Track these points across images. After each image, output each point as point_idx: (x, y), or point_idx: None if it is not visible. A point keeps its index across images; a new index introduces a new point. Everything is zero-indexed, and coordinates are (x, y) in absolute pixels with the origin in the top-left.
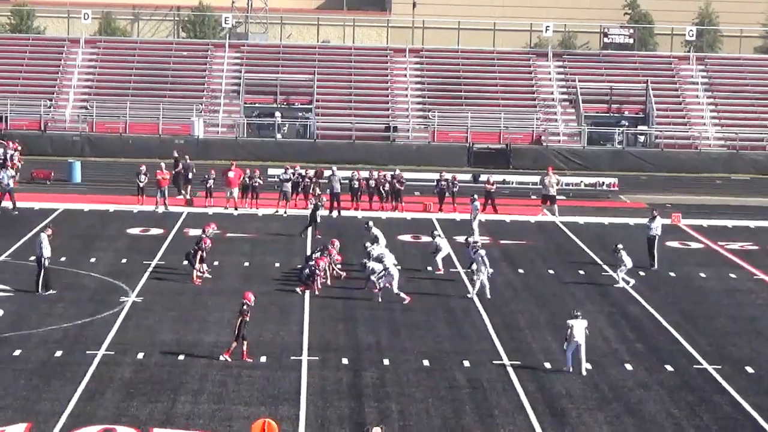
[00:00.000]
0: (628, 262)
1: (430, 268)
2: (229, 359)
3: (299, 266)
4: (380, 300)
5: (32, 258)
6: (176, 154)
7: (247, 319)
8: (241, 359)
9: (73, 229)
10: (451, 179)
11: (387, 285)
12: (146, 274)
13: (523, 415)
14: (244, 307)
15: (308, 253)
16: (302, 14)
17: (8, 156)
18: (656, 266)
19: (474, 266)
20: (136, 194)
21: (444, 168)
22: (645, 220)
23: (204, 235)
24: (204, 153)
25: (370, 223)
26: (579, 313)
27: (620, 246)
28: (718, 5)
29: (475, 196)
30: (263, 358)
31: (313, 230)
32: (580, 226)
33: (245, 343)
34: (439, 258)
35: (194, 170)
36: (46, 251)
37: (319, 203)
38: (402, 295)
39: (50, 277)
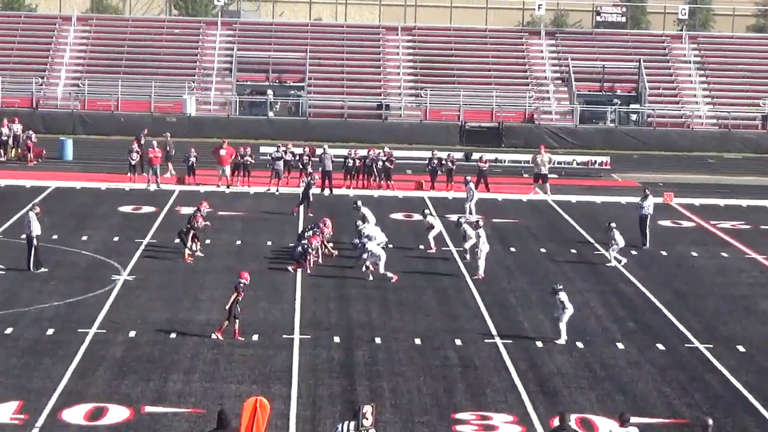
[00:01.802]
0: (620, 241)
1: (422, 247)
2: (221, 338)
3: (291, 245)
4: (371, 278)
5: (23, 236)
6: (141, 136)
7: (240, 298)
8: (233, 338)
9: (64, 207)
10: (447, 158)
11: (371, 265)
12: (138, 253)
13: (514, 393)
14: (240, 285)
15: (300, 231)
16: None
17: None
18: (648, 245)
19: (467, 244)
20: (127, 172)
21: (436, 146)
22: (637, 199)
23: (198, 214)
24: (196, 131)
25: (359, 203)
26: (561, 287)
27: (613, 225)
28: None
29: (468, 177)
30: (255, 337)
31: (305, 208)
32: (572, 205)
33: (237, 321)
34: (431, 236)
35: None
36: (36, 229)
37: (311, 181)
38: (389, 274)
39: (40, 255)
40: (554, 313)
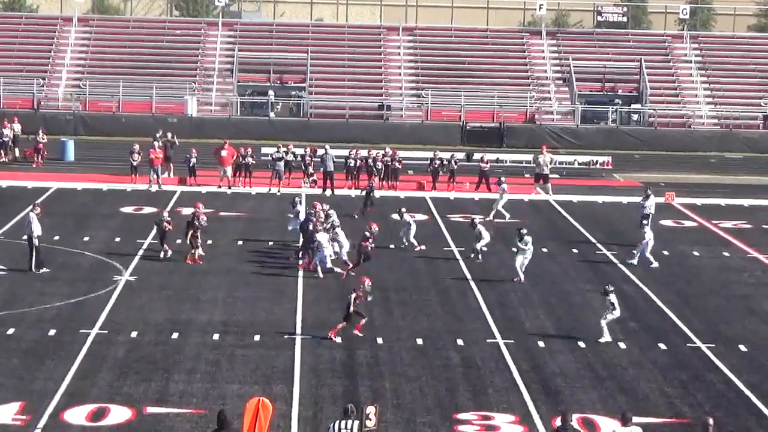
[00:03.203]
0: (650, 239)
1: (402, 246)
2: (335, 338)
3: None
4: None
5: (24, 237)
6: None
7: (359, 301)
8: (352, 333)
9: (66, 208)
10: (450, 158)
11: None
12: (140, 253)
13: (516, 393)
14: (360, 288)
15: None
16: None
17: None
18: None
19: (479, 244)
20: (129, 173)
21: (437, 147)
22: (638, 199)
23: (198, 212)
24: (197, 131)
25: (296, 200)
26: (612, 288)
27: (645, 222)
28: None
29: (502, 178)
30: (257, 337)
31: (366, 209)
32: (574, 205)
33: (363, 319)
34: (411, 236)
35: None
36: (36, 229)
37: (372, 184)
38: (337, 269)
39: (42, 255)
40: (604, 313)
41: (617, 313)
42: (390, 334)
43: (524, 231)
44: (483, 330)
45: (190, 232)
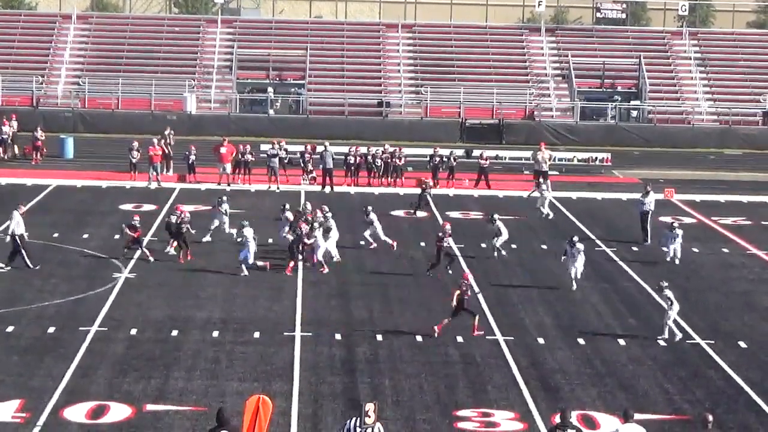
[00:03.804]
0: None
1: (362, 243)
2: (438, 332)
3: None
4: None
5: (8, 238)
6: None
7: (466, 296)
8: (471, 334)
9: (65, 205)
10: (449, 155)
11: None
12: (139, 250)
13: (516, 390)
14: (463, 283)
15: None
16: None
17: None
18: (649, 241)
19: (498, 241)
20: (128, 170)
21: (436, 143)
22: (638, 195)
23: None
24: (196, 129)
25: (285, 206)
26: (667, 284)
27: (676, 224)
28: None
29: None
30: (256, 334)
31: (420, 209)
32: (573, 202)
33: (476, 317)
34: (367, 233)
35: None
36: (19, 228)
37: (428, 184)
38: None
39: (29, 253)
40: (666, 312)
41: (676, 307)
42: (389, 330)
43: (576, 238)
44: (483, 327)
45: (177, 238)
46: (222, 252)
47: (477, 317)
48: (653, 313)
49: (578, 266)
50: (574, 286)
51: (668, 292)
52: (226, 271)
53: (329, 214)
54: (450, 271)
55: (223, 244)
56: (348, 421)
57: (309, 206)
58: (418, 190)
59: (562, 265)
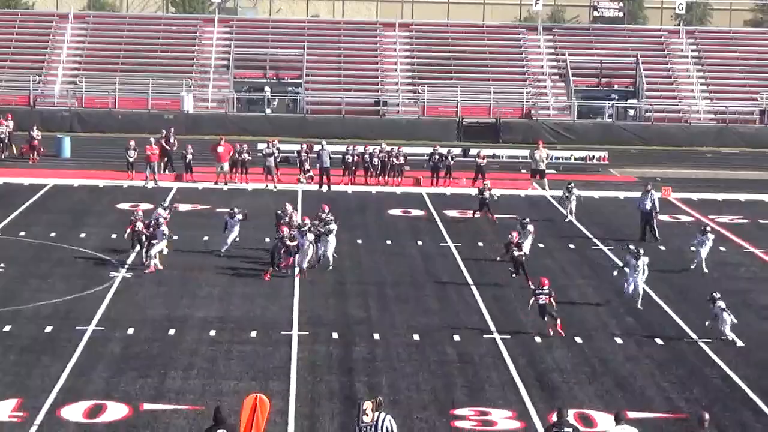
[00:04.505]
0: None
1: (389, 242)
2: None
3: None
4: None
5: None
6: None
7: (546, 301)
8: (551, 335)
9: (62, 205)
10: (446, 153)
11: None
12: (136, 249)
13: (513, 388)
14: (542, 290)
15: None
16: None
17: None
18: (647, 239)
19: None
20: (125, 169)
21: (435, 142)
22: (637, 194)
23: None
24: (194, 128)
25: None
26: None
27: (708, 229)
28: None
29: (571, 184)
30: (253, 333)
31: (479, 212)
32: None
33: (556, 320)
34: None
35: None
36: None
37: (486, 185)
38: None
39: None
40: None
41: (731, 317)
42: (386, 329)
43: (641, 250)
44: (480, 325)
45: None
46: (218, 250)
47: (559, 320)
48: (651, 311)
49: (640, 283)
50: (639, 303)
51: (720, 303)
52: (223, 270)
53: (331, 217)
54: (513, 275)
55: (220, 243)
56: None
57: (289, 208)
58: (417, 189)
59: (616, 279)
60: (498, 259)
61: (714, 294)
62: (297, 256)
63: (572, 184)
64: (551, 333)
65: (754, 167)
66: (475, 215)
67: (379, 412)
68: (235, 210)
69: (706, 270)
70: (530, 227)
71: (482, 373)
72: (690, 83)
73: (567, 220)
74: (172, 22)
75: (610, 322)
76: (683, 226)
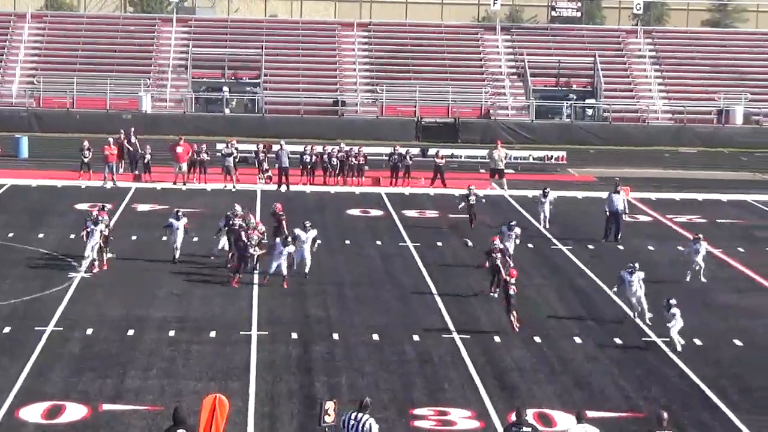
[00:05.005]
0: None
1: (347, 242)
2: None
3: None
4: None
5: None
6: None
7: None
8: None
9: (20, 205)
10: (404, 153)
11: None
12: (95, 250)
13: (472, 388)
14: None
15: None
16: None
17: None
18: (619, 238)
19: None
20: (79, 170)
21: (393, 142)
22: (595, 194)
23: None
24: (152, 128)
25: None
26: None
27: (700, 236)
28: None
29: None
30: (212, 333)
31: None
32: (529, 200)
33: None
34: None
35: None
36: None
37: (471, 189)
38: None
39: None
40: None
41: (680, 323)
42: (346, 329)
43: (636, 265)
44: (439, 325)
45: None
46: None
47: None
48: (609, 311)
49: (640, 294)
50: (638, 314)
51: (675, 310)
52: (182, 270)
53: (308, 224)
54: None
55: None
56: (344, 416)
57: (239, 209)
58: (376, 189)
59: (618, 294)
60: (476, 266)
61: (670, 300)
62: (277, 263)
63: (548, 189)
64: (517, 329)
65: (711, 167)
66: (472, 223)
67: (363, 414)
68: (180, 213)
69: (704, 279)
70: (517, 230)
71: (441, 373)
72: (648, 83)
73: (543, 226)
74: (130, 21)
75: (569, 321)
76: (641, 225)
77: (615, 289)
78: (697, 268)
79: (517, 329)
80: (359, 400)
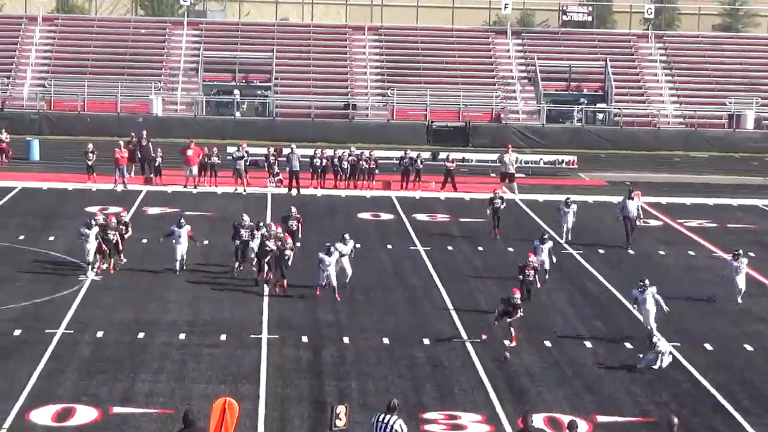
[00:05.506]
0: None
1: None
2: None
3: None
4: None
5: None
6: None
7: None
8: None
9: (31, 208)
10: (415, 157)
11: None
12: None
13: (483, 392)
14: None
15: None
16: None
17: None
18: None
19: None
20: (86, 173)
21: (403, 146)
22: (606, 198)
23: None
24: (163, 131)
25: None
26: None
27: (740, 252)
28: None
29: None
30: (223, 337)
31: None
32: (540, 204)
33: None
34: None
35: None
36: None
37: (497, 193)
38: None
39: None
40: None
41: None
42: (356, 333)
43: (646, 281)
44: (449, 329)
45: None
46: (189, 255)
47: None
48: (620, 315)
49: (651, 310)
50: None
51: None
52: (193, 273)
53: (347, 235)
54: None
55: (190, 246)
56: (374, 417)
57: (246, 218)
58: (387, 193)
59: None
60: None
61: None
62: (326, 274)
63: (570, 198)
64: (513, 344)
65: (722, 171)
66: (497, 231)
67: (391, 415)
68: (183, 220)
69: (740, 300)
70: (549, 243)
71: (452, 377)
72: (659, 87)
73: (565, 239)
74: (141, 24)
75: (579, 326)
76: (652, 230)
77: (635, 307)
78: (736, 290)
79: (513, 343)
80: (388, 402)
